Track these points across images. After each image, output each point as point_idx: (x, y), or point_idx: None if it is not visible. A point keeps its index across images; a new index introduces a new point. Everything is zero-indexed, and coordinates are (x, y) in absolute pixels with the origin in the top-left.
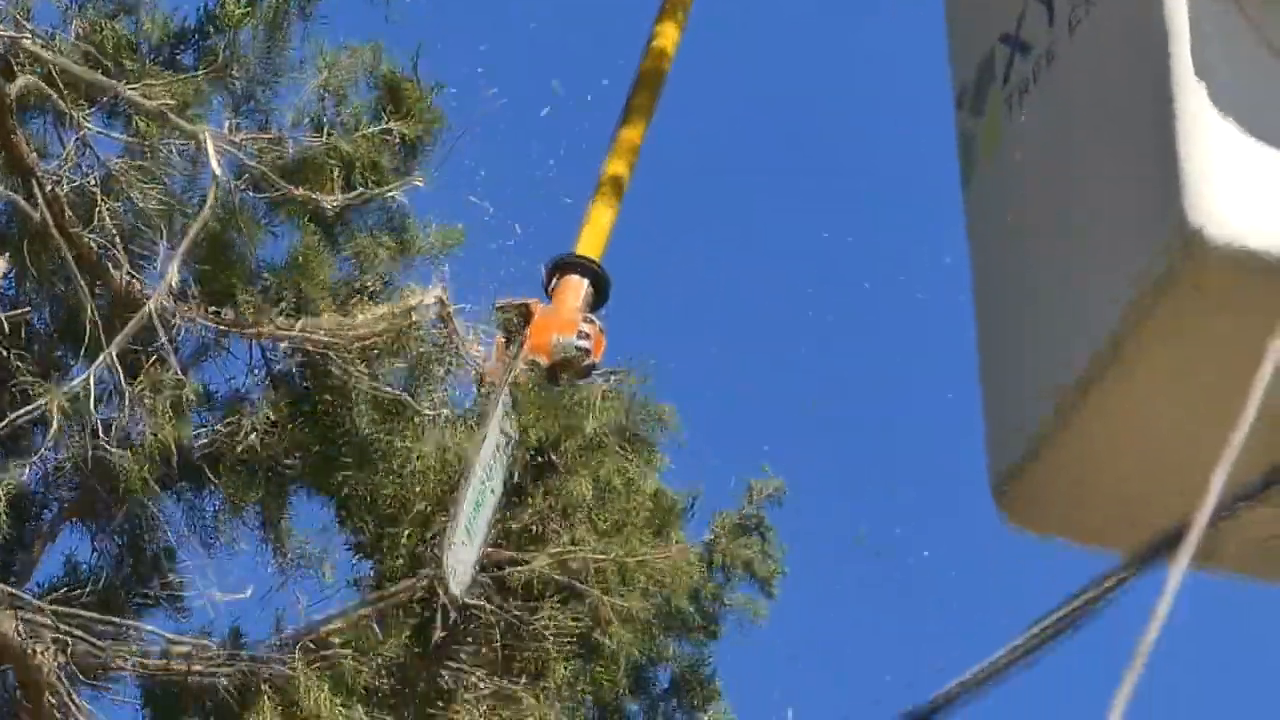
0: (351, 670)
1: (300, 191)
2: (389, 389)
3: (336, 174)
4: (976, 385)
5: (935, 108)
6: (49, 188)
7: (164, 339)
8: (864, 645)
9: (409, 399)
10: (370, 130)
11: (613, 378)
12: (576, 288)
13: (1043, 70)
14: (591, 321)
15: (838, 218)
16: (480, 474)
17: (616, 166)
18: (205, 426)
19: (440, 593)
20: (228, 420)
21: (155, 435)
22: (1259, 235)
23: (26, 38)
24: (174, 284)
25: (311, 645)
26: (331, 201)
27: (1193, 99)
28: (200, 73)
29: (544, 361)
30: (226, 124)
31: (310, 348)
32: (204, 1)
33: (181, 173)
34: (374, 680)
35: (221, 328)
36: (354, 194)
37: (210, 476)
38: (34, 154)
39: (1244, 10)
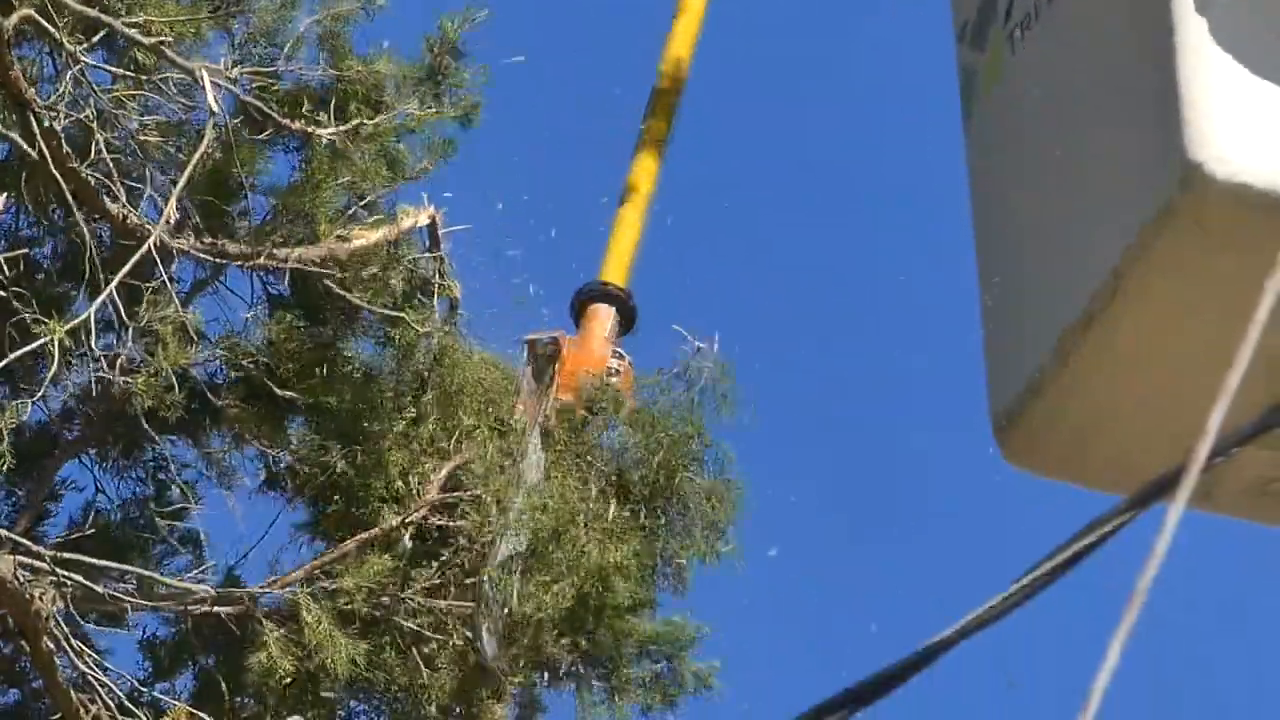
0: (354, 600)
1: (296, 124)
2: (384, 308)
3: (332, 105)
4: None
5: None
6: (46, 122)
7: (163, 275)
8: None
9: (405, 316)
10: (367, 61)
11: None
12: (604, 319)
13: (1044, 6)
14: (620, 356)
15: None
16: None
17: (639, 183)
18: (206, 356)
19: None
20: (228, 347)
21: (157, 366)
22: (1260, 171)
23: None
24: (172, 218)
25: (315, 576)
26: (327, 133)
27: (1193, 34)
28: (198, 10)
29: (574, 401)
30: (224, 59)
31: (309, 268)
32: None
33: (179, 105)
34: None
35: (219, 260)
36: (349, 124)
37: (214, 404)
38: (31, 88)
39: None
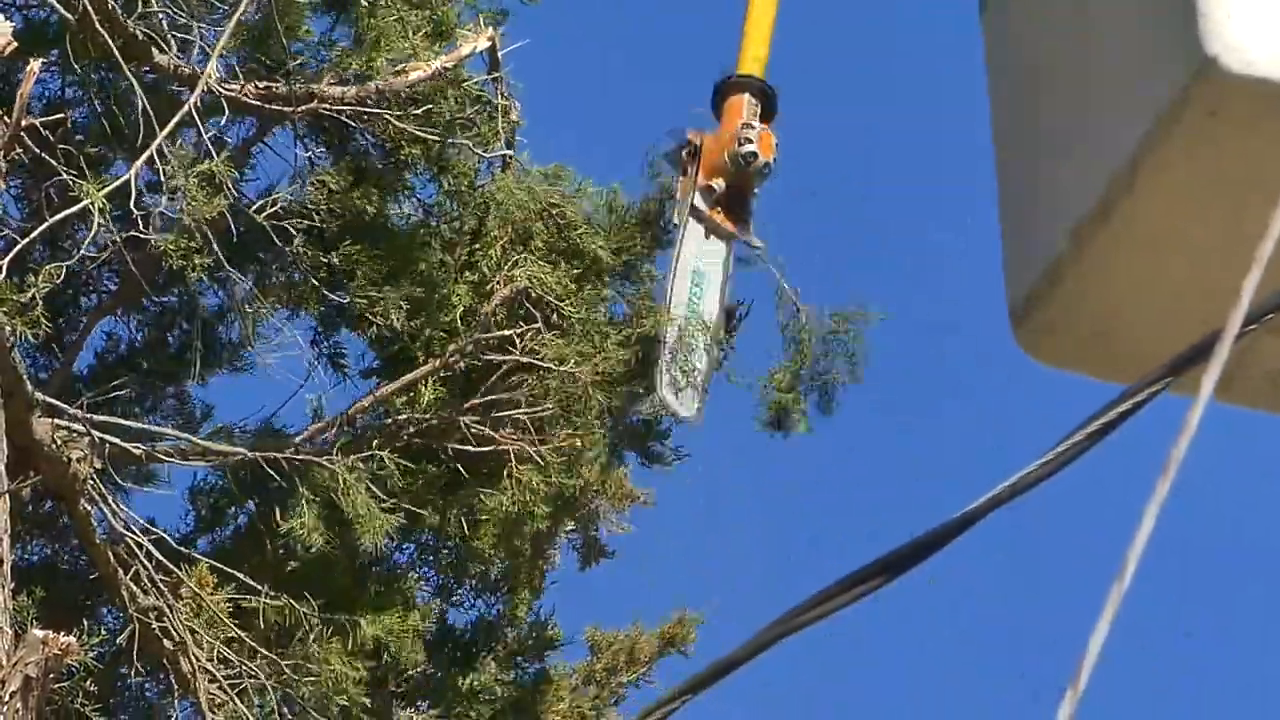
0: (387, 458)
1: None
2: (438, 135)
3: None
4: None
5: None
6: None
7: (203, 132)
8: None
9: (465, 143)
10: None
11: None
12: (740, 106)
13: None
14: (751, 126)
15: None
16: (687, 298)
17: None
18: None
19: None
20: (271, 197)
21: (192, 215)
22: (1275, 64)
23: None
24: (216, 68)
25: (347, 431)
26: None
27: None
28: None
29: (720, 184)
30: None
31: (364, 108)
32: None
33: None
34: (407, 455)
35: (270, 106)
36: None
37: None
38: None
39: None
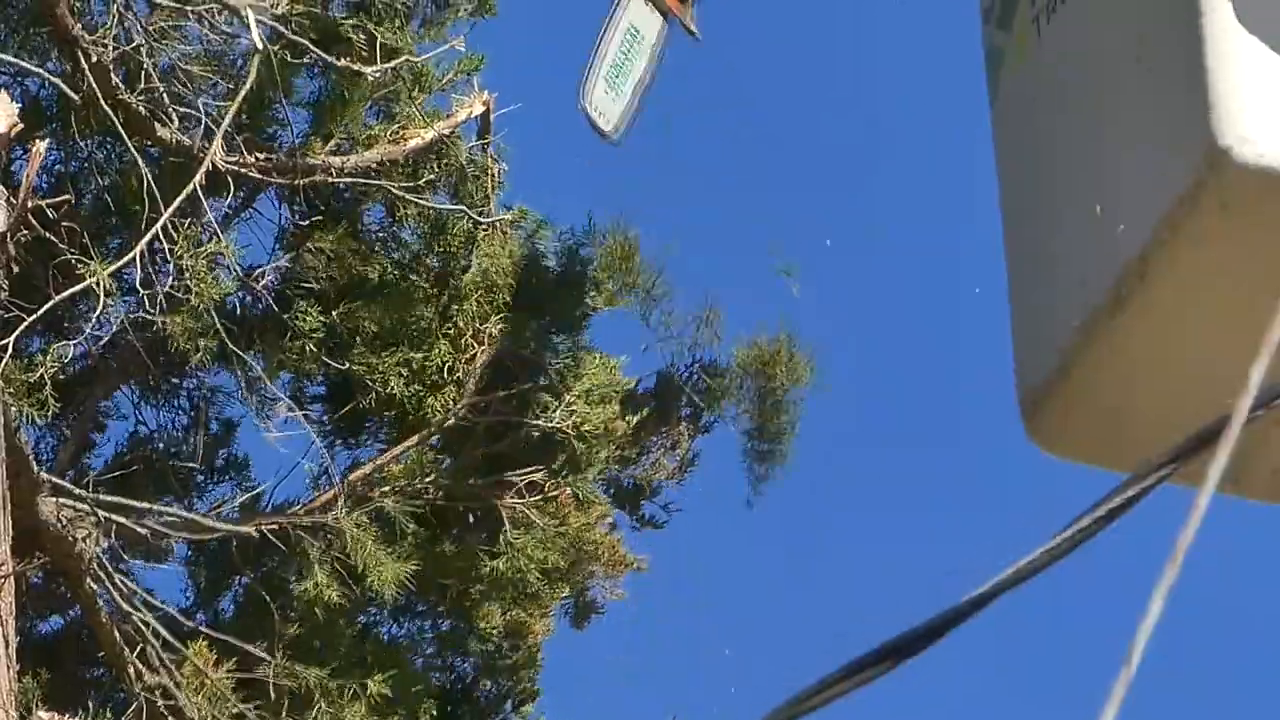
0: (398, 510)
1: (342, 62)
2: (439, 203)
3: (378, 40)
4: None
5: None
6: (94, 58)
7: (208, 211)
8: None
9: (465, 209)
10: None
11: None
12: None
13: None
14: None
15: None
16: (620, 44)
17: None
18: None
19: (595, 133)
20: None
21: (194, 301)
22: None
23: None
24: (223, 145)
25: (357, 488)
26: (372, 70)
27: (1220, 15)
28: None
29: None
30: None
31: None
32: None
33: (221, 35)
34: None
35: (271, 179)
36: (395, 61)
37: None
38: (78, 23)
39: None
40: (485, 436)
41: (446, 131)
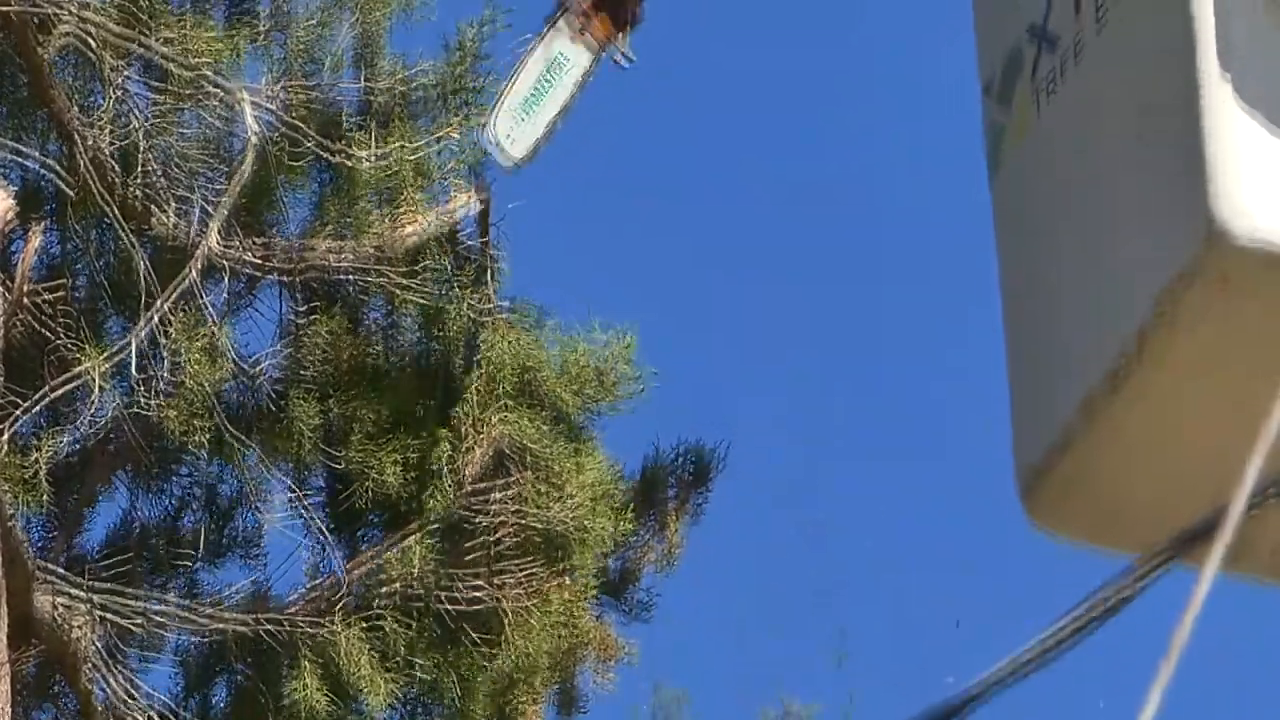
0: (392, 628)
1: (337, 157)
2: (432, 294)
3: (372, 126)
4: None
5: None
6: (90, 146)
7: (202, 298)
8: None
9: (459, 298)
10: (404, 75)
11: None
12: None
13: (1070, 63)
14: None
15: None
16: (541, 69)
17: None
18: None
19: (499, 162)
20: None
21: (189, 390)
22: None
23: (64, 11)
24: (219, 236)
25: (354, 585)
26: (365, 156)
27: (1218, 93)
28: (235, 30)
29: None
30: (263, 80)
31: (363, 268)
32: None
33: (219, 123)
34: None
35: (267, 271)
36: (390, 147)
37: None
38: (74, 111)
39: (1271, 6)
40: (483, 530)
41: (444, 222)
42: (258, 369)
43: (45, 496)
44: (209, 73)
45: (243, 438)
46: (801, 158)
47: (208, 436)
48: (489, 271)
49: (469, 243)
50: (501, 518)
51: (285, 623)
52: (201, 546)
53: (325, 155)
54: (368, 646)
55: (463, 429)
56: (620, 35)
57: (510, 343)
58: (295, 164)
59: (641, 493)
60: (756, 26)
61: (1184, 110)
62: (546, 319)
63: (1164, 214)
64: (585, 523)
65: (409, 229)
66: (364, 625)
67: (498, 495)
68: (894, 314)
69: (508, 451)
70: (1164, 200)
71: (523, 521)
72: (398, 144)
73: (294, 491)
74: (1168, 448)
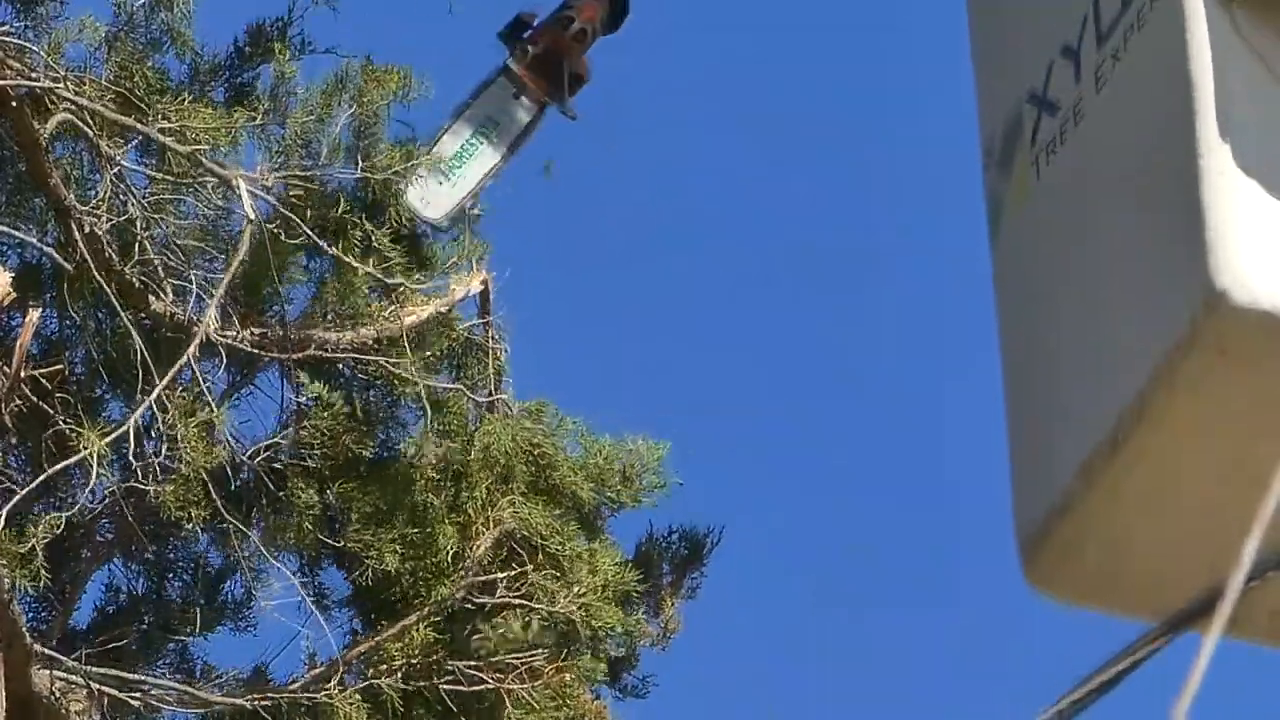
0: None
1: (333, 251)
2: (442, 383)
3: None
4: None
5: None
6: (87, 228)
7: (201, 381)
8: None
9: (463, 389)
10: (398, 163)
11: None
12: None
13: (1070, 129)
14: (575, 3)
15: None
16: (467, 132)
17: None
18: (236, 457)
19: (419, 221)
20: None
21: (186, 470)
22: None
23: (60, 86)
24: (215, 318)
25: (353, 665)
26: (363, 270)
27: (1218, 158)
28: (232, 113)
29: (538, 47)
30: (259, 166)
31: (359, 351)
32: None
33: (215, 208)
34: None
35: (265, 353)
36: (384, 233)
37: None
38: (70, 193)
39: (1272, 69)
40: (487, 617)
41: (445, 309)
42: (256, 450)
43: (43, 574)
44: (205, 158)
45: (239, 523)
46: (802, 224)
47: (204, 514)
48: (491, 355)
49: (472, 324)
50: (507, 606)
51: (284, 701)
52: (196, 621)
53: (320, 244)
54: (367, 709)
55: (473, 524)
56: (556, 91)
57: (516, 431)
58: (293, 247)
59: (637, 573)
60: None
61: (1183, 175)
62: (562, 414)
63: (1163, 279)
64: (593, 613)
65: (408, 315)
66: (362, 696)
67: (503, 583)
68: (893, 374)
69: (516, 540)
70: (1163, 265)
71: (530, 609)
72: (392, 228)
73: (292, 577)
74: (1167, 510)
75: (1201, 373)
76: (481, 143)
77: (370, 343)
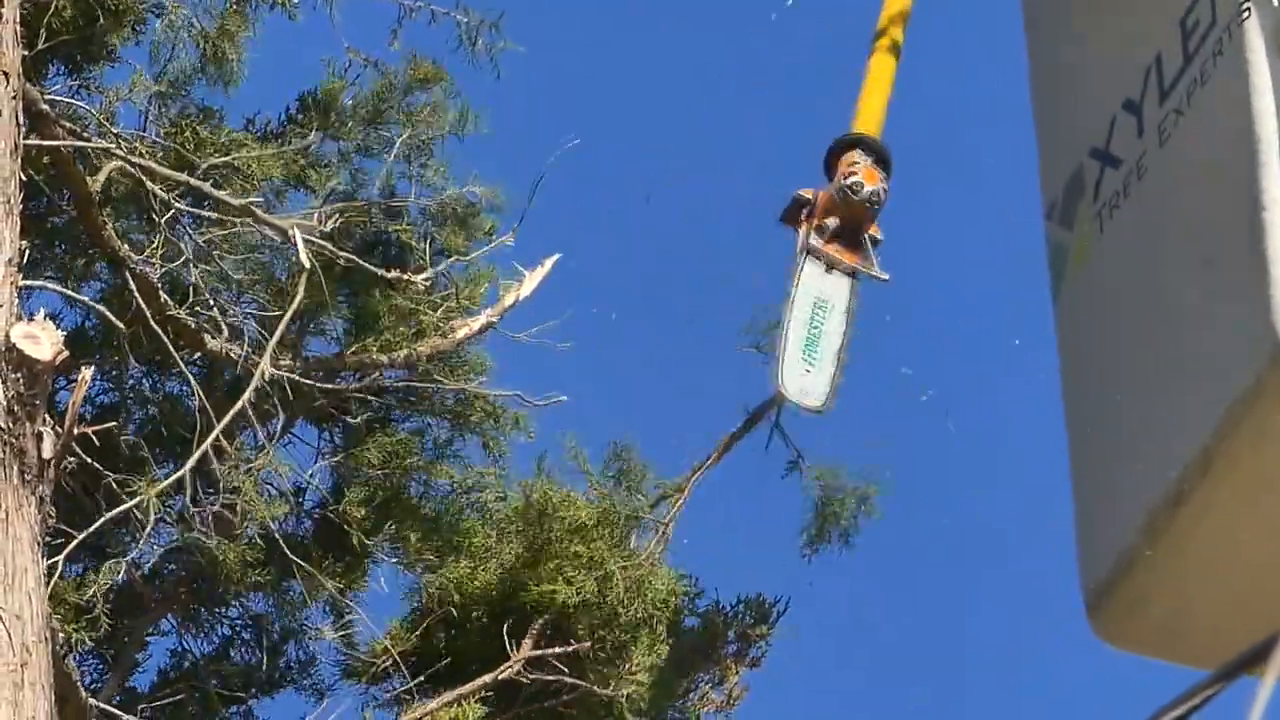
0: None
1: (390, 274)
2: (497, 391)
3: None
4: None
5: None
6: (139, 274)
7: (259, 431)
8: None
9: (523, 396)
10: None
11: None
12: (847, 156)
13: (1133, 184)
14: (856, 163)
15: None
16: (802, 314)
17: (891, 34)
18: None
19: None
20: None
21: (243, 525)
22: None
23: (115, 146)
24: (270, 366)
25: None
26: (422, 279)
27: None
28: (288, 167)
29: (834, 221)
30: (316, 214)
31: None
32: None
33: (269, 248)
34: None
35: (320, 385)
36: (442, 265)
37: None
38: (125, 244)
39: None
40: (538, 694)
41: (495, 319)
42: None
43: (102, 625)
44: (258, 210)
45: (307, 566)
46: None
47: (263, 574)
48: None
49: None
50: (557, 682)
51: None
52: (258, 681)
53: (376, 279)
54: None
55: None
56: (865, 259)
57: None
58: (346, 288)
59: (702, 642)
60: None
61: (1247, 229)
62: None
63: (1228, 333)
64: (643, 692)
65: (459, 329)
66: None
67: (556, 660)
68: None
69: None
70: (1227, 319)
71: (579, 687)
72: (450, 261)
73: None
74: (1230, 564)
75: (1267, 425)
76: (821, 323)
77: (423, 362)
